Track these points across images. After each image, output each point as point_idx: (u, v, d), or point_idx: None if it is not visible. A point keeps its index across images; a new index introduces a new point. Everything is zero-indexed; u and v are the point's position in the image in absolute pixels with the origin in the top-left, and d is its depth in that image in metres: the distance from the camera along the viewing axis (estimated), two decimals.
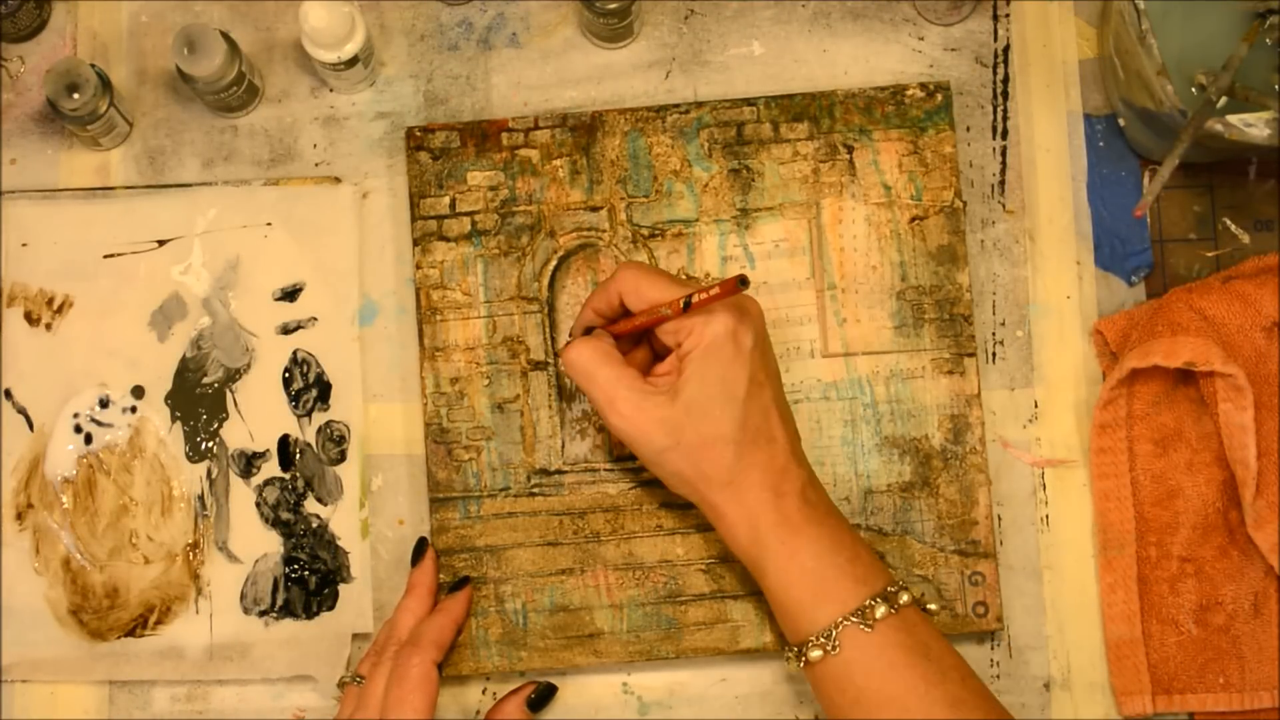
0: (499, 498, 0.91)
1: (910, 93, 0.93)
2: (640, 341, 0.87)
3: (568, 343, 0.86)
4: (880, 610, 0.80)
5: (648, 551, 0.90)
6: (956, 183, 0.92)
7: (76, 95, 0.90)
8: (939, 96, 0.93)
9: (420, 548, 0.91)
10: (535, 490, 0.91)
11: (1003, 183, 0.94)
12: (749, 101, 0.93)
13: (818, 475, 0.86)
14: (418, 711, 0.84)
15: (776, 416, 0.83)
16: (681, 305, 0.81)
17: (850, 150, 0.93)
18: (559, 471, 0.91)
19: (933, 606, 0.85)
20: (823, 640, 0.80)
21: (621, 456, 0.91)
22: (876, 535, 0.91)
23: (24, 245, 0.94)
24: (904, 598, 0.81)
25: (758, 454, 0.82)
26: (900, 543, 0.91)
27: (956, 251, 0.92)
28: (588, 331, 0.86)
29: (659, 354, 0.87)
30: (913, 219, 0.92)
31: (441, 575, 0.90)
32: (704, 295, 0.80)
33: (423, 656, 0.85)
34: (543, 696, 0.90)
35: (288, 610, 0.92)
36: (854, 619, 0.80)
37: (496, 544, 0.91)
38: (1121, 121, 0.93)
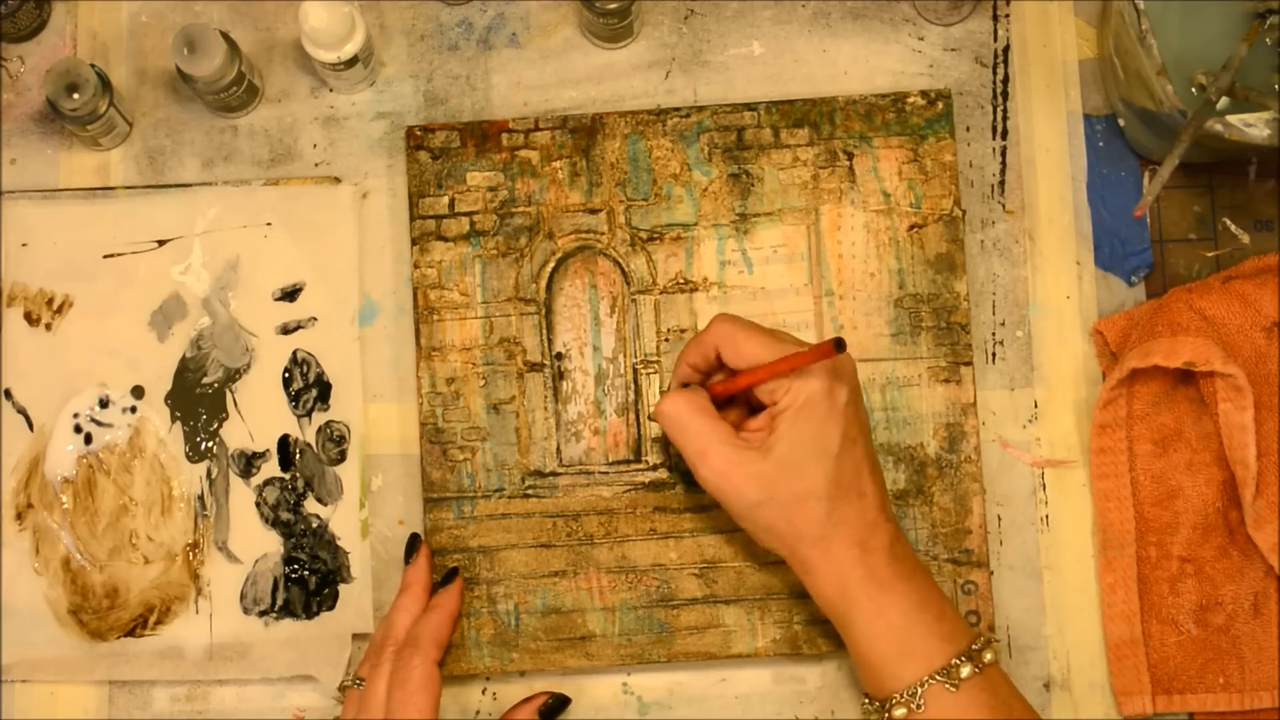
0: (493, 499, 0.91)
1: (911, 100, 0.93)
2: (733, 399, 0.87)
3: (663, 394, 0.86)
4: (966, 670, 0.80)
5: (641, 555, 0.90)
6: (956, 191, 0.92)
7: (76, 95, 0.90)
8: (940, 104, 0.93)
9: (413, 545, 0.91)
10: (529, 492, 0.91)
11: (1002, 183, 0.94)
12: (750, 106, 0.93)
13: None
14: (422, 712, 0.84)
15: (867, 472, 0.83)
16: (787, 370, 0.81)
17: (850, 157, 0.93)
18: (553, 474, 0.91)
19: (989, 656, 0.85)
20: (908, 698, 0.80)
21: (616, 460, 0.91)
22: None
23: (24, 245, 0.94)
24: (988, 656, 0.81)
25: (848, 509, 0.82)
26: None
27: (955, 260, 0.92)
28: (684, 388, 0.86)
29: (753, 409, 0.86)
30: (911, 227, 0.92)
31: (434, 575, 0.91)
32: (803, 357, 0.80)
33: (424, 657, 0.85)
34: (555, 708, 0.90)
35: (288, 610, 0.92)
36: (940, 678, 0.80)
37: (490, 545, 0.91)
38: (1121, 121, 0.93)
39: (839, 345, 0.78)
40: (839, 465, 0.81)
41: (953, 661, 0.80)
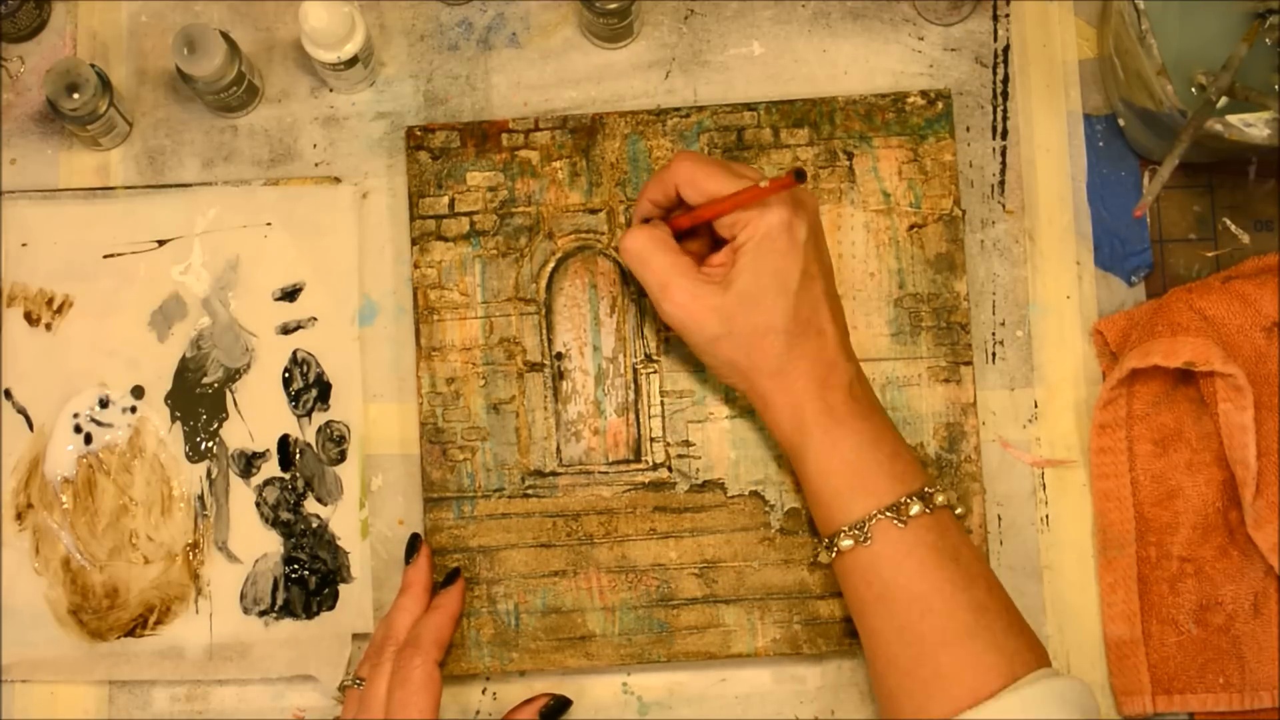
0: (493, 498, 0.91)
1: (911, 100, 0.93)
2: (695, 232, 0.87)
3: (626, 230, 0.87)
4: (915, 508, 0.81)
5: (640, 555, 0.90)
6: (956, 191, 0.92)
7: (76, 95, 0.90)
8: (940, 104, 0.93)
9: (414, 545, 0.91)
10: (529, 492, 0.91)
11: (1002, 183, 0.94)
12: (749, 106, 0.93)
13: None
14: (423, 712, 0.84)
15: (827, 310, 0.84)
16: (747, 201, 0.81)
17: (850, 157, 0.93)
18: (553, 473, 0.91)
19: (960, 511, 0.86)
20: (855, 531, 0.81)
21: (616, 460, 0.91)
22: None
23: (24, 245, 0.94)
24: (939, 499, 0.82)
25: (807, 345, 0.83)
26: None
27: (955, 260, 0.92)
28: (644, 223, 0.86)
29: (716, 243, 0.87)
30: (911, 226, 0.92)
31: (434, 575, 0.91)
32: (763, 190, 0.81)
33: (425, 657, 0.85)
34: (557, 709, 0.90)
35: (288, 610, 0.92)
36: (888, 513, 0.81)
37: (490, 545, 0.91)
38: (1121, 121, 0.93)
39: (799, 176, 0.79)
40: (797, 301, 0.82)
41: (902, 499, 0.81)
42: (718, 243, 0.86)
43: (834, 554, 0.82)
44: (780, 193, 0.81)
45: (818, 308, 0.83)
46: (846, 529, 0.82)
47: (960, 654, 0.79)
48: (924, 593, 0.80)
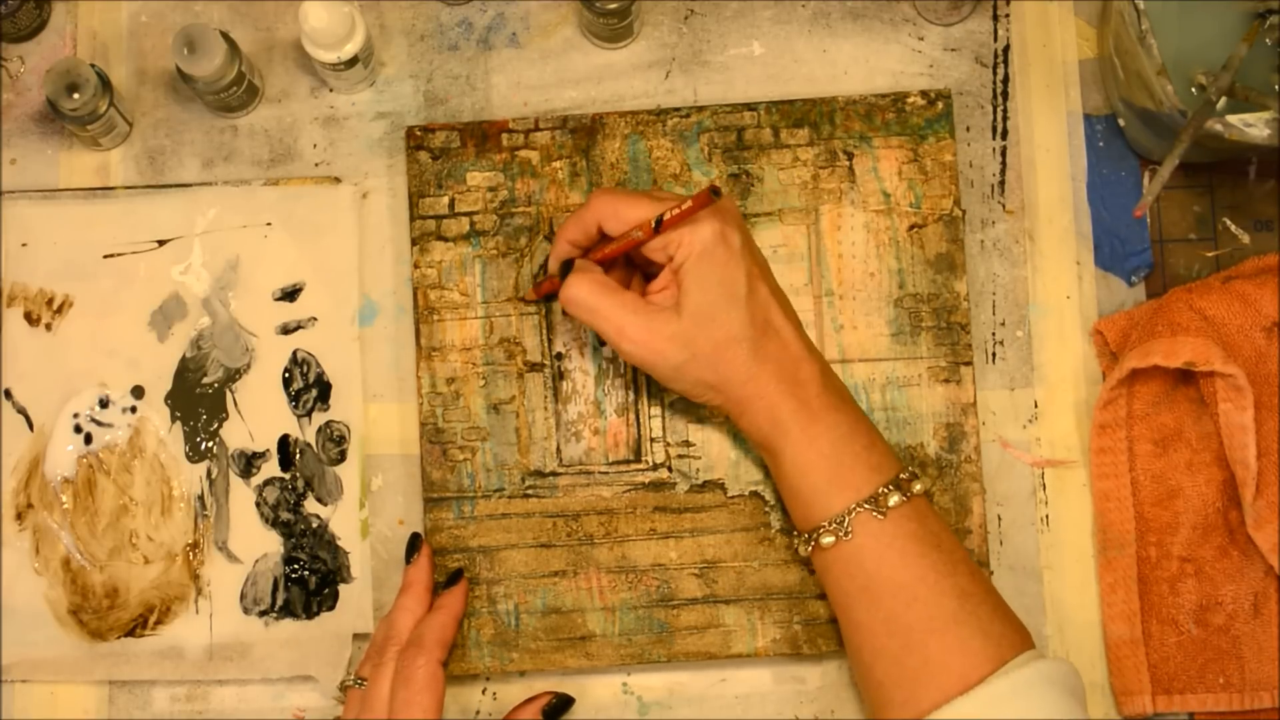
0: (493, 499, 0.91)
1: (911, 100, 0.93)
2: (618, 262, 0.88)
3: (542, 280, 0.88)
4: (894, 499, 0.81)
5: (640, 555, 0.90)
6: (956, 191, 0.92)
7: (76, 95, 0.90)
8: (940, 104, 0.93)
9: (414, 544, 0.91)
10: (529, 492, 0.91)
11: (1002, 183, 0.94)
12: (750, 106, 0.93)
13: None
14: (426, 712, 0.84)
15: (778, 308, 0.84)
16: (653, 227, 0.82)
17: (850, 157, 0.93)
18: (553, 473, 0.91)
19: (931, 491, 0.87)
20: (835, 526, 0.81)
21: (616, 460, 0.91)
22: None
23: (24, 245, 0.94)
24: (917, 486, 0.83)
25: (769, 346, 0.83)
26: None
27: (955, 260, 0.92)
28: (567, 265, 0.86)
29: (643, 270, 0.88)
30: (911, 227, 0.92)
31: (436, 575, 0.91)
32: (677, 211, 0.81)
33: (428, 657, 0.85)
34: (559, 708, 0.89)
35: (288, 610, 0.92)
36: (867, 505, 0.81)
37: (490, 545, 0.91)
38: (1121, 121, 0.93)
39: (715, 192, 0.80)
40: (750, 306, 0.82)
41: (880, 490, 0.81)
42: (643, 271, 0.87)
43: (812, 548, 0.83)
44: (705, 208, 0.82)
45: (769, 308, 0.84)
46: (826, 524, 0.82)
47: (948, 641, 0.80)
48: (908, 582, 0.81)
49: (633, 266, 0.89)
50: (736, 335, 0.82)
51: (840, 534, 0.81)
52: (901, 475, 0.83)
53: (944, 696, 0.79)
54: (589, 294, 0.83)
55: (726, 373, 0.83)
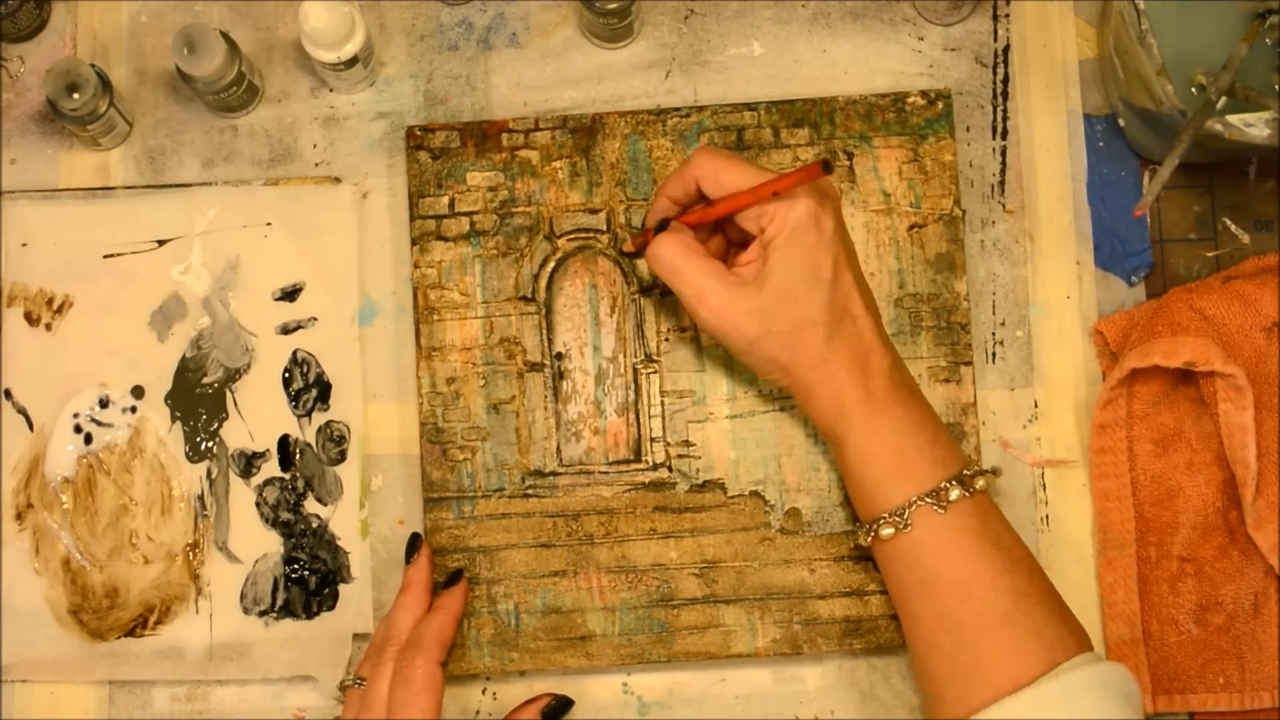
0: (493, 498, 0.91)
1: (911, 100, 0.93)
2: (714, 229, 0.88)
3: (640, 234, 0.87)
4: (955, 493, 0.81)
5: (641, 555, 0.90)
6: (956, 191, 0.92)
7: (76, 95, 0.90)
8: (940, 104, 0.93)
9: (414, 544, 0.91)
10: (529, 492, 0.91)
11: (1002, 183, 0.94)
12: (750, 106, 0.93)
13: (812, 482, 0.89)
14: (425, 712, 0.84)
15: (859, 297, 0.84)
16: (770, 194, 0.81)
17: (850, 157, 0.93)
18: (553, 473, 0.91)
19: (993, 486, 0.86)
20: (895, 518, 0.81)
21: (616, 460, 0.91)
22: None
23: (24, 245, 0.94)
24: (980, 483, 0.82)
25: (845, 334, 0.83)
26: None
27: (955, 260, 0.92)
28: (664, 224, 0.86)
29: (732, 240, 0.87)
30: (911, 227, 0.92)
31: (436, 575, 0.91)
32: (788, 180, 0.80)
33: (427, 657, 0.85)
34: (559, 709, 0.89)
35: (288, 610, 0.92)
36: (928, 499, 0.81)
37: (490, 545, 0.91)
38: (1121, 121, 0.93)
39: (826, 166, 0.79)
40: (832, 292, 0.82)
41: (942, 484, 0.81)
42: (735, 245, 0.87)
43: (873, 539, 0.83)
44: (805, 184, 0.81)
45: (851, 296, 0.83)
46: (887, 516, 0.82)
47: (1000, 640, 0.79)
48: (964, 578, 0.80)
49: (727, 237, 0.88)
50: (814, 318, 0.82)
51: (900, 526, 0.81)
52: (965, 471, 0.82)
53: (994, 695, 0.78)
54: (675, 254, 0.83)
55: (799, 354, 0.83)
